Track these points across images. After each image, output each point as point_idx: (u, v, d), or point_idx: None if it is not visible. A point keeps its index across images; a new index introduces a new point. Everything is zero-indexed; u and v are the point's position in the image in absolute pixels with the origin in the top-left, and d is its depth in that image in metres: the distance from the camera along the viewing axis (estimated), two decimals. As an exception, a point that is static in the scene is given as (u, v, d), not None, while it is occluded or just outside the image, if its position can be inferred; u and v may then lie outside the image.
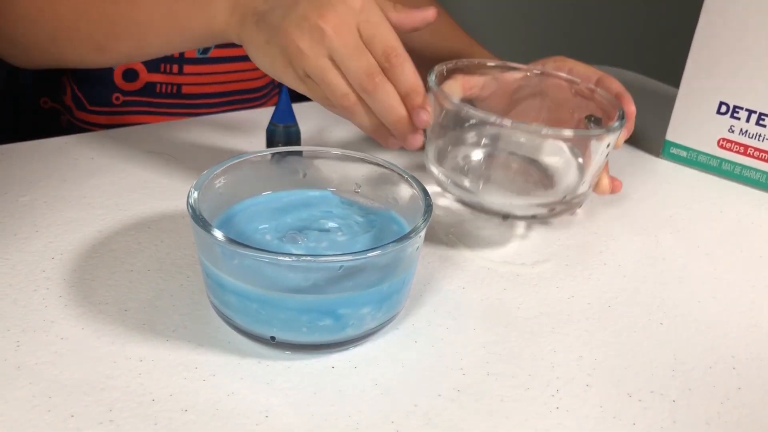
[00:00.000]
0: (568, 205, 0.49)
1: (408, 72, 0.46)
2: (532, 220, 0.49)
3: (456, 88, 0.52)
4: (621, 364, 0.41)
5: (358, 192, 0.48)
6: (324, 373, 0.39)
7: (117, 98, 0.74)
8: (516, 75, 0.56)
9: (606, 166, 0.52)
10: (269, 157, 0.47)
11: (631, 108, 0.54)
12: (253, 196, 0.47)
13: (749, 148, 0.64)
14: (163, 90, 0.74)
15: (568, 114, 0.55)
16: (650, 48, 1.83)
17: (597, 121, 0.51)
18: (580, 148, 0.47)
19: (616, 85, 0.56)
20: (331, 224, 0.45)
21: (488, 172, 0.48)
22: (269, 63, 0.48)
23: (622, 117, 0.49)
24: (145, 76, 0.73)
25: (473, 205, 0.49)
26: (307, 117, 0.69)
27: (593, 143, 0.46)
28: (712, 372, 0.41)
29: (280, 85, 0.80)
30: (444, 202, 0.57)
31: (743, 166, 0.65)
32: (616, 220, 0.57)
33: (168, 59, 0.73)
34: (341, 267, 0.37)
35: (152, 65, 0.73)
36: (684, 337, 0.44)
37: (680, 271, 0.51)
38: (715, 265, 0.52)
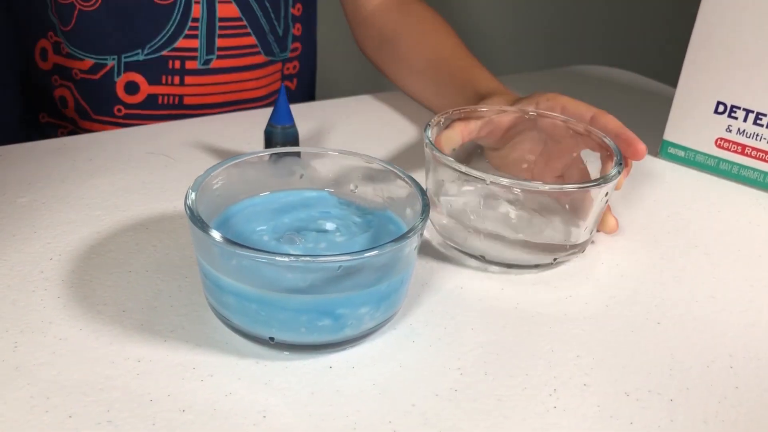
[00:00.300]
0: (571, 252, 0.49)
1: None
2: (536, 268, 0.50)
3: (455, 135, 0.53)
4: (619, 364, 0.42)
5: (355, 192, 0.48)
6: (322, 373, 0.39)
7: (119, 110, 0.74)
8: (511, 117, 0.56)
9: (608, 207, 0.52)
10: (267, 157, 0.47)
11: (639, 147, 0.52)
12: (251, 197, 0.47)
13: (747, 148, 0.64)
14: (166, 101, 0.74)
15: (566, 152, 0.55)
16: (648, 48, 1.83)
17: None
18: (580, 198, 0.48)
19: (612, 124, 0.53)
20: (329, 225, 0.45)
21: (488, 227, 0.48)
22: None
23: (620, 162, 0.49)
24: (147, 89, 0.73)
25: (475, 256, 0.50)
26: (305, 118, 0.69)
27: (593, 191, 0.46)
28: (710, 371, 0.42)
29: (279, 88, 0.81)
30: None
31: (741, 166, 0.65)
32: (614, 220, 0.57)
33: (169, 71, 0.73)
34: (340, 267, 0.37)
35: (153, 77, 0.73)
36: (682, 336, 0.44)
37: (678, 271, 0.51)
38: (714, 265, 0.52)
